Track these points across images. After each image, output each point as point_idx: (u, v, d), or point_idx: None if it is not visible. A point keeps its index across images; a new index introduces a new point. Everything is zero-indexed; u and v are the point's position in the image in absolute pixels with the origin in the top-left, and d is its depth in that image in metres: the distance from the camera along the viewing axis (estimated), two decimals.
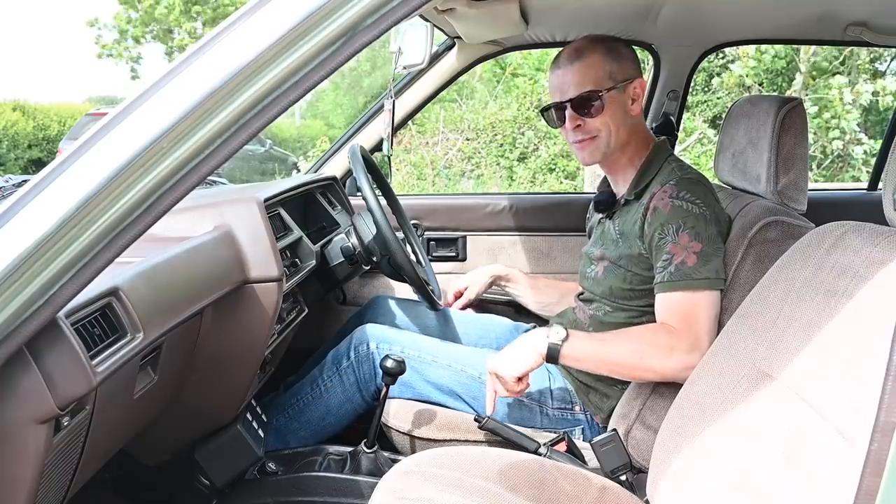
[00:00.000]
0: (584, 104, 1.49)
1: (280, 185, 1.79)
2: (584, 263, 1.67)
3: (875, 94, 7.02)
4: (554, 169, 8.29)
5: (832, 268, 0.97)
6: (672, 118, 2.31)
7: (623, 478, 1.32)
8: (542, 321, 1.94)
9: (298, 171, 10.21)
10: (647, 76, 2.37)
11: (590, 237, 1.75)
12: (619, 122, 1.51)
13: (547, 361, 1.40)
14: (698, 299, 1.37)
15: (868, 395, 0.79)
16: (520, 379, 1.41)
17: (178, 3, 12.44)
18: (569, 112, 1.51)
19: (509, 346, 1.45)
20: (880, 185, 1.09)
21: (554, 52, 1.73)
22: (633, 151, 1.56)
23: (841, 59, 7.52)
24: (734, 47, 6.56)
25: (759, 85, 7.75)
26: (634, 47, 1.81)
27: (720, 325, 1.32)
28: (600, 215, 1.64)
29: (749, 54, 7.19)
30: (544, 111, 1.59)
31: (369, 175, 1.78)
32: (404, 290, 2.18)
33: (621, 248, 1.51)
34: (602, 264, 1.56)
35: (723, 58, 7.91)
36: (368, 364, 1.63)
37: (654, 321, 1.46)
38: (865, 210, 2.06)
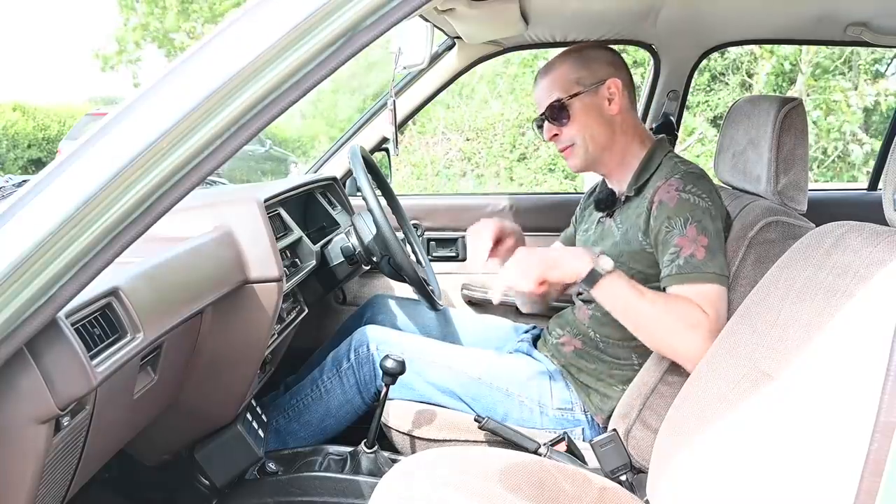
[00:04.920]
0: (554, 113, 1.54)
1: (280, 185, 1.79)
2: None
3: (878, 95, 7.01)
4: (554, 169, 8.30)
5: (832, 268, 0.97)
6: (672, 118, 2.31)
7: (623, 478, 1.32)
8: (544, 323, 1.94)
9: (297, 168, 10.22)
10: (648, 76, 2.37)
11: (577, 225, 1.76)
12: (594, 126, 1.53)
13: (582, 282, 1.33)
14: (709, 291, 1.35)
15: (868, 395, 0.79)
16: (543, 283, 1.31)
17: (174, 4, 12.42)
18: (546, 125, 1.57)
19: (551, 250, 1.37)
20: (880, 185, 1.09)
21: (554, 52, 1.73)
22: (624, 151, 1.56)
23: (843, 58, 7.52)
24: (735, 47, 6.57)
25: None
26: (633, 48, 1.82)
27: None
28: (600, 214, 1.64)
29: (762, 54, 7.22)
30: (536, 126, 1.64)
31: (369, 175, 1.78)
32: (404, 290, 2.18)
33: (621, 246, 1.51)
34: None
35: (725, 58, 7.91)
36: (368, 366, 1.62)
37: None
38: (865, 210, 2.06)
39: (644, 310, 1.34)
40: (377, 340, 1.64)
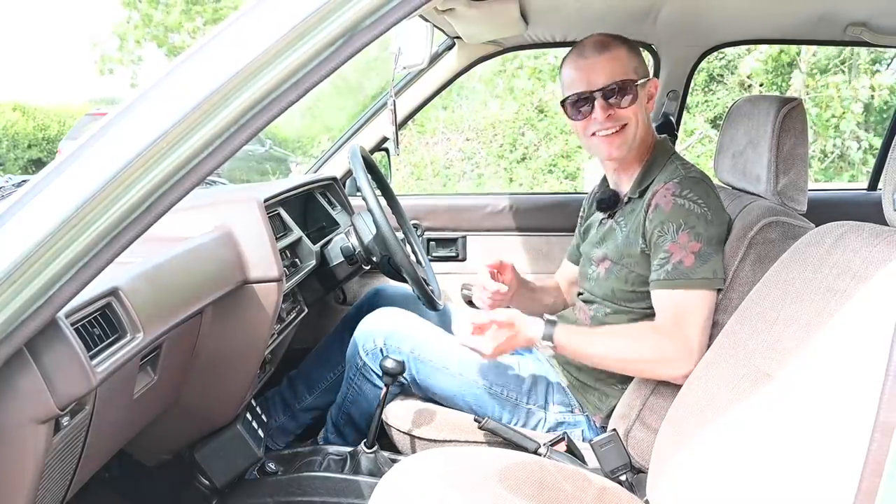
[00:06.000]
0: (616, 93, 1.47)
1: (280, 185, 1.79)
2: (584, 264, 1.67)
3: (872, 88, 7.01)
4: (554, 170, 8.29)
5: (832, 268, 0.97)
6: (672, 118, 2.31)
7: (623, 478, 1.32)
8: None
9: (299, 168, 10.20)
10: None
11: (583, 235, 1.74)
12: (642, 116, 1.52)
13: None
14: (692, 299, 1.37)
15: (868, 394, 0.79)
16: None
17: (178, 2, 12.38)
18: (599, 101, 1.47)
19: (511, 331, 1.42)
20: (880, 185, 1.10)
21: (554, 51, 1.73)
22: (643, 149, 1.56)
23: (841, 57, 7.52)
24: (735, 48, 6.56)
25: (760, 85, 7.76)
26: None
27: (720, 325, 1.32)
28: (602, 215, 1.64)
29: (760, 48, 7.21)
30: (565, 103, 1.54)
31: (369, 175, 1.78)
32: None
33: (623, 248, 1.51)
34: (604, 265, 1.56)
35: (722, 57, 7.91)
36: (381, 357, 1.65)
37: None
38: (865, 210, 2.06)
39: (599, 351, 1.44)
40: (384, 334, 1.66)
